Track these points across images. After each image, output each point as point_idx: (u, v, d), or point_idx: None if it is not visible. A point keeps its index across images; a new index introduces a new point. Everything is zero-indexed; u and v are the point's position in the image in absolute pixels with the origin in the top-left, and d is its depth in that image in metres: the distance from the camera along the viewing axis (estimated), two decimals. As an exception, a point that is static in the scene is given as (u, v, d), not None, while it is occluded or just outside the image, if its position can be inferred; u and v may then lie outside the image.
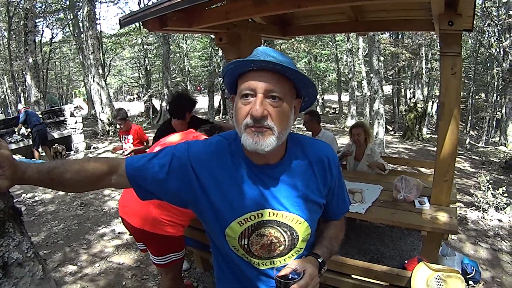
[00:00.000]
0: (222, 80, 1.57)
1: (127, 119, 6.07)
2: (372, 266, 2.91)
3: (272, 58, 1.28)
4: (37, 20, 20.81)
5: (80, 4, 18.07)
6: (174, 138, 3.37)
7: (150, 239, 3.17)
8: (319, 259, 1.48)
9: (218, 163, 1.45)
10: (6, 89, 29.07)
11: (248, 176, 1.43)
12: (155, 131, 4.92)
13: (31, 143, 11.04)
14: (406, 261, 3.20)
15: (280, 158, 1.46)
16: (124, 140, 6.01)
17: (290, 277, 1.34)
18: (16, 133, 11.20)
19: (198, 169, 1.43)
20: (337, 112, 30.87)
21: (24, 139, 11.41)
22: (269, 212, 1.44)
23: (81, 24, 20.01)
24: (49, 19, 26.94)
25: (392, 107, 27.96)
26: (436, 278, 2.63)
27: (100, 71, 16.53)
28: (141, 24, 4.23)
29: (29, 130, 10.89)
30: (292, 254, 1.53)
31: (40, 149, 10.90)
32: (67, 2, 24.65)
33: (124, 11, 30.07)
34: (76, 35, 24.87)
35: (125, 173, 1.43)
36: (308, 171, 1.51)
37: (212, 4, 4.18)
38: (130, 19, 4.02)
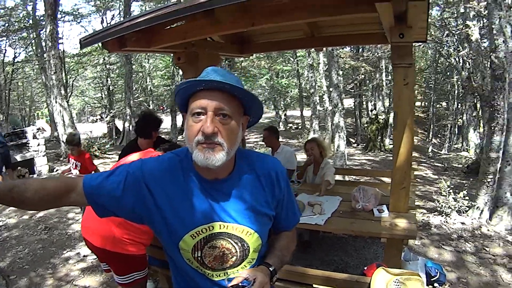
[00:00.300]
0: (175, 98, 1.61)
1: (80, 144, 6.05)
2: (332, 274, 2.97)
3: (221, 78, 1.37)
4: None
5: (43, 23, 17.77)
6: (133, 157, 3.37)
7: (112, 259, 3.19)
8: (270, 268, 1.55)
9: (170, 179, 1.51)
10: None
11: (199, 190, 1.50)
12: (119, 152, 4.90)
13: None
14: (365, 268, 3.27)
15: (229, 173, 1.53)
16: (73, 165, 5.92)
17: (241, 285, 1.40)
18: None
19: (151, 186, 1.49)
20: (299, 127, 31.09)
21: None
22: (220, 225, 1.50)
23: (43, 43, 19.70)
24: (12, 38, 26.45)
25: (354, 120, 28.32)
26: (395, 282, 2.68)
27: (63, 91, 16.23)
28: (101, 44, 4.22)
29: None
30: (244, 265, 1.59)
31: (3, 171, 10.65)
32: (30, 21, 24.21)
33: (87, 30, 29.64)
34: (38, 54, 24.41)
35: (83, 191, 1.47)
36: (256, 185, 1.58)
37: (171, 24, 4.23)
38: (90, 39, 4.03)
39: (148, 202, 1.49)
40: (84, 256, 5.72)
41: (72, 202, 1.51)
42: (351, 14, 3.44)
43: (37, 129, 13.63)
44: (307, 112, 29.48)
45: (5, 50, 27.88)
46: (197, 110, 1.38)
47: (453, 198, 7.19)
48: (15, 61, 28.70)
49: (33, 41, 25.86)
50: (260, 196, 1.58)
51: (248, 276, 1.43)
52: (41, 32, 21.39)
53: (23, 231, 7.00)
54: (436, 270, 4.53)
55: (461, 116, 22.99)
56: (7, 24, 23.65)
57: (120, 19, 23.28)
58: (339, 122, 12.11)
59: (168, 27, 4.30)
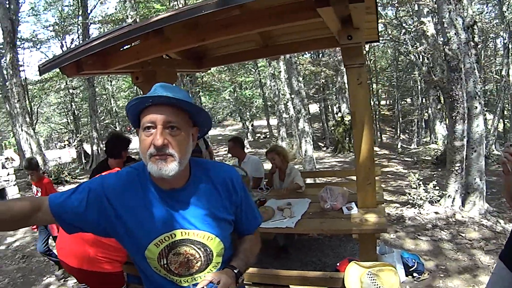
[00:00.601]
0: (126, 115, 1.65)
1: (38, 169, 5.87)
2: (305, 273, 3.05)
3: (168, 93, 1.46)
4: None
5: (3, 51, 17.51)
6: None
7: (89, 278, 3.22)
8: (234, 270, 1.61)
9: (129, 192, 1.57)
10: None
11: (157, 201, 1.56)
12: (89, 175, 4.91)
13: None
14: (338, 264, 3.34)
15: (184, 182, 1.60)
16: (35, 191, 5.78)
17: None
18: None
19: (112, 200, 1.54)
20: (267, 136, 31.29)
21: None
22: (181, 232, 1.57)
23: (5, 72, 19.37)
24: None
25: (321, 124, 28.49)
26: (368, 274, 2.77)
27: (28, 119, 16.05)
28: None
29: None
30: (210, 269, 1.65)
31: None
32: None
33: (47, 56, 29.21)
34: (0, 83, 24.03)
35: (49, 210, 1.51)
36: (212, 192, 1.65)
37: (127, 44, 4.25)
38: (48, 65, 4.03)
39: (110, 216, 1.55)
40: (64, 280, 5.71)
41: (39, 221, 1.56)
42: (296, 21, 3.49)
43: (5, 158, 13.42)
44: (273, 121, 29.62)
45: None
46: (147, 125, 1.46)
47: (423, 189, 7.34)
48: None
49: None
50: (218, 202, 1.65)
51: (213, 279, 1.49)
52: (1, 60, 21.01)
53: (1, 261, 6.95)
54: (413, 260, 4.63)
55: (426, 110, 23.28)
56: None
57: (79, 42, 23.01)
58: (304, 127, 12.17)
59: (123, 48, 4.33)
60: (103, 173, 3.49)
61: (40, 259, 6.82)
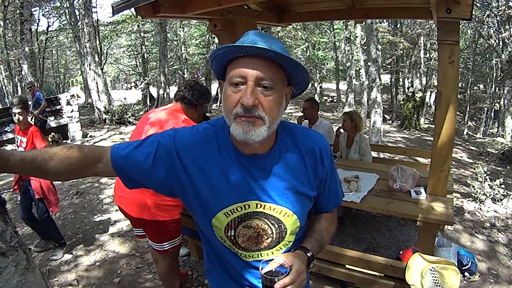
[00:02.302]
0: (210, 64, 1.47)
1: (27, 108, 5.04)
2: (366, 256, 2.88)
3: (264, 44, 1.22)
4: (33, 9, 20.56)
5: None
6: (160, 115, 3.32)
7: (148, 227, 3.22)
8: (308, 253, 1.43)
9: (204, 151, 1.40)
10: (3, 78, 28.88)
11: (236, 166, 1.39)
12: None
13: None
14: (401, 252, 3.18)
15: (269, 148, 1.41)
16: (17, 142, 4.88)
17: (276, 272, 1.30)
18: (35, 113, 10.95)
19: (184, 158, 1.39)
20: (335, 100, 30.77)
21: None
22: (256, 204, 1.40)
23: (77, 12, 19.79)
24: (45, 8, 26.70)
25: (390, 96, 27.95)
26: (431, 270, 2.60)
27: (97, 59, 16.40)
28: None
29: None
30: (280, 247, 1.50)
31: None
32: (63, -10, 24.47)
33: (120, -1, 29.79)
34: (72, 23, 24.61)
35: (110, 162, 1.39)
36: (298, 162, 1.46)
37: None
38: (122, 5, 3.92)
39: (180, 175, 1.39)
40: (114, 221, 5.80)
41: (99, 173, 1.43)
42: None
43: (71, 95, 13.86)
44: (343, 86, 29.20)
45: (39, 19, 28.28)
46: (236, 80, 1.25)
47: (489, 185, 6.97)
48: (49, 30, 29.12)
49: (66, 10, 26.06)
50: (302, 174, 1.46)
51: (284, 263, 1.32)
52: (74, 1, 21.46)
53: (55, 195, 7.08)
54: (468, 259, 4.40)
55: (498, 100, 22.39)
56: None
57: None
58: (376, 97, 11.84)
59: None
60: (158, 111, 3.43)
61: (93, 197, 7.01)
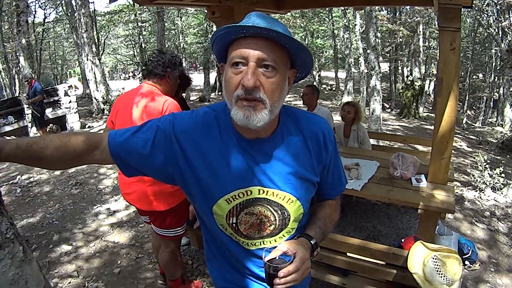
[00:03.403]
0: (211, 47, 1.39)
1: None
2: (368, 244, 2.87)
3: (266, 24, 1.18)
4: (29, 1, 20.47)
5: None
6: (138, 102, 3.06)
7: (155, 216, 3.20)
8: (311, 241, 1.41)
9: (205, 136, 1.36)
10: (0, 71, 28.82)
11: (237, 150, 1.35)
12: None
13: (25, 124, 10.95)
14: (402, 240, 3.17)
15: (272, 132, 1.38)
16: None
17: (280, 260, 1.28)
18: (29, 105, 11.01)
19: (183, 143, 1.35)
20: (333, 89, 30.74)
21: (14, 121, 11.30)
22: (259, 190, 1.37)
23: (74, 3, 19.70)
24: (41, -1, 26.64)
25: (389, 84, 27.96)
26: (433, 258, 2.58)
27: (94, 49, 16.33)
28: (131, -2, 4.06)
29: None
30: (283, 235, 1.47)
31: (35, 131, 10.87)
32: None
33: (118, -11, 29.77)
34: (69, 14, 24.52)
35: (108, 149, 1.36)
36: (301, 147, 1.42)
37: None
38: (120, -7, 3.90)
39: (180, 161, 1.36)
40: (114, 211, 5.78)
41: (96, 160, 1.40)
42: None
43: (69, 86, 13.88)
44: (341, 74, 29.18)
45: (35, 11, 28.17)
46: (237, 60, 1.20)
47: (488, 174, 6.96)
48: (46, 21, 29.06)
49: (62, 1, 25.95)
50: (306, 159, 1.43)
51: (288, 250, 1.30)
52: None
53: (54, 186, 7.09)
54: (469, 248, 4.40)
55: (497, 89, 22.39)
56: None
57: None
58: (375, 85, 11.81)
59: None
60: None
61: (92, 187, 6.97)
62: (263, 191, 1.37)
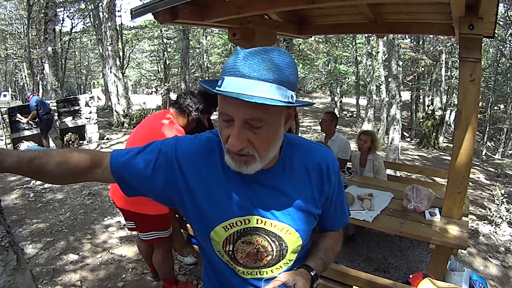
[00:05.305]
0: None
1: None
2: (375, 278, 2.79)
3: (252, 73, 1.07)
4: (57, 10, 20.90)
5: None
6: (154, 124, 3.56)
7: (134, 218, 3.44)
8: (311, 272, 1.37)
9: (206, 162, 1.34)
10: (25, 76, 29.35)
11: (237, 179, 1.32)
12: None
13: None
14: (411, 276, 3.09)
15: (273, 163, 1.35)
16: None
17: None
18: (24, 121, 11.19)
19: (184, 167, 1.33)
20: (354, 115, 30.69)
21: (31, 127, 11.45)
22: (257, 219, 1.34)
23: (101, 15, 20.09)
24: (70, 9, 27.16)
25: (410, 113, 27.79)
26: (441, 297, 2.51)
27: (118, 62, 16.61)
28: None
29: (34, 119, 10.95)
30: (280, 266, 1.43)
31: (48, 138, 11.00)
32: (87, -7, 24.83)
33: (145, 4, 30.36)
34: (96, 26, 24.97)
35: (109, 168, 1.35)
36: (303, 178, 1.39)
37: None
38: (141, 10, 3.94)
39: (179, 185, 1.34)
40: (124, 225, 5.72)
41: (97, 178, 1.39)
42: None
43: (90, 97, 14.05)
44: (362, 101, 29.09)
45: (63, 20, 28.82)
46: (225, 117, 1.16)
47: (505, 208, 6.83)
48: (73, 31, 29.63)
49: (90, 12, 26.47)
50: (307, 191, 1.39)
51: (287, 281, 1.27)
52: (99, 4, 21.75)
53: (67, 195, 7.15)
54: (481, 285, 4.26)
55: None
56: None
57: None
58: (395, 114, 11.77)
59: (224, -1, 4.13)
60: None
61: (105, 199, 6.99)
62: (261, 221, 1.35)
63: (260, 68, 1.08)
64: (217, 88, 1.11)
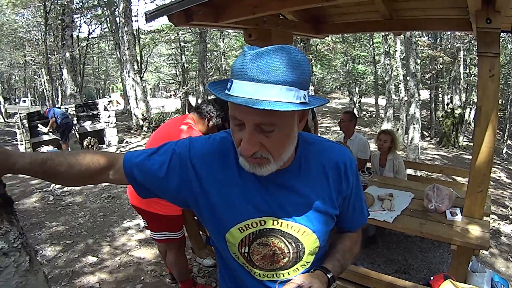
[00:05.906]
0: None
1: None
2: (396, 281, 2.75)
3: (261, 76, 1.02)
4: (74, 16, 21.15)
5: (117, 1, 18.28)
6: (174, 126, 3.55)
7: (147, 216, 3.47)
8: (328, 274, 1.34)
9: (221, 162, 1.32)
10: (44, 82, 29.73)
11: (252, 180, 1.29)
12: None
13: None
14: (431, 278, 3.03)
15: (289, 163, 1.31)
16: None
17: None
18: (45, 130, 11.41)
19: (199, 168, 1.31)
20: (373, 115, 30.47)
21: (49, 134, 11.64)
22: (273, 221, 1.31)
23: (118, 20, 20.28)
24: (87, 15, 27.47)
25: (429, 112, 27.49)
26: (462, 300, 2.47)
27: (136, 67, 16.72)
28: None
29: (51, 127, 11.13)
30: (297, 268, 1.40)
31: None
32: (104, -1, 25.09)
33: (161, 8, 30.61)
34: (113, 31, 25.19)
35: (122, 169, 1.34)
36: (320, 178, 1.35)
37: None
38: (156, 12, 3.94)
39: (194, 186, 1.31)
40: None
41: (110, 180, 1.38)
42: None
43: (109, 101, 14.15)
44: (381, 101, 28.89)
45: (80, 26, 29.21)
46: (235, 121, 1.14)
47: (528, 206, 6.71)
48: (90, 37, 29.95)
49: (107, 18, 26.73)
50: (324, 191, 1.35)
51: (304, 284, 1.24)
52: (116, 9, 21.94)
53: (87, 198, 7.21)
54: (503, 286, 4.20)
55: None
56: (81, 2, 24.80)
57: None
58: (414, 113, 11.65)
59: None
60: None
61: (124, 202, 7.02)
62: (278, 222, 1.31)
63: (269, 69, 1.03)
64: (226, 91, 1.08)
